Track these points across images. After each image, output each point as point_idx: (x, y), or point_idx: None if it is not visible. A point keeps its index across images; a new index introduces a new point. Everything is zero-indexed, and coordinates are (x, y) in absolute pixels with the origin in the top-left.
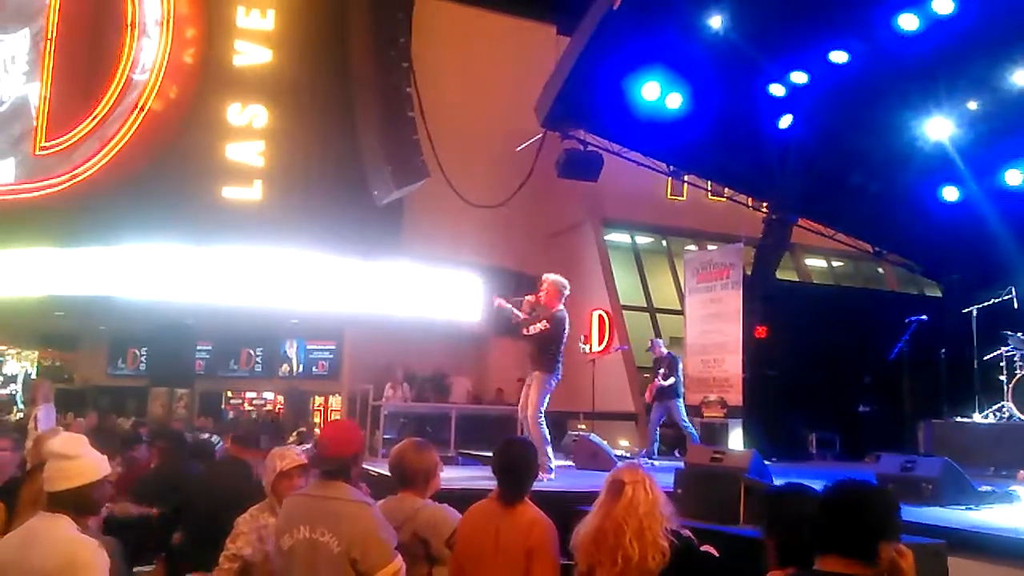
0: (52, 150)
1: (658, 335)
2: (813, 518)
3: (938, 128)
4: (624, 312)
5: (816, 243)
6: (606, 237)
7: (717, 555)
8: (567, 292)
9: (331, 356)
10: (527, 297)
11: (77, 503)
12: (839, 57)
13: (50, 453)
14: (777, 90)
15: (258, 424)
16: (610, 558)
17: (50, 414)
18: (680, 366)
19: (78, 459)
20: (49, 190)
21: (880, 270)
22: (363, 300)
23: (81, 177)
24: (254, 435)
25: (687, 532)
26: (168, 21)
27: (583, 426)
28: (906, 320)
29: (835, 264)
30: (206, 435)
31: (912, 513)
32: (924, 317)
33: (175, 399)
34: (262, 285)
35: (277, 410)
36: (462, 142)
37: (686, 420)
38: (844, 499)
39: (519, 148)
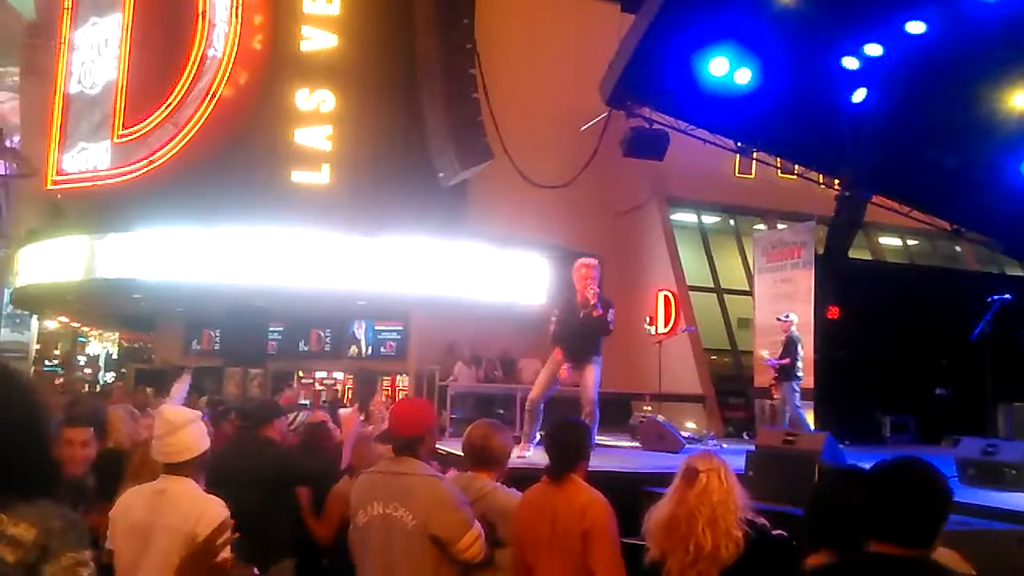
0: (129, 137)
1: (725, 316)
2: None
3: (1022, 99)
4: (691, 293)
5: (890, 221)
6: (672, 216)
7: (787, 536)
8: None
9: (398, 337)
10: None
11: (203, 463)
12: (916, 27)
13: (169, 424)
14: (850, 63)
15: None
16: (682, 547)
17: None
18: (796, 346)
19: (194, 423)
20: (128, 176)
21: (958, 248)
22: (429, 281)
23: (158, 163)
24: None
25: (762, 520)
26: (237, 8)
27: (649, 407)
28: (988, 299)
29: (910, 242)
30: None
31: (995, 499)
32: (1008, 296)
33: (249, 379)
34: (331, 267)
35: (347, 389)
36: (526, 122)
37: (797, 405)
38: (906, 486)
39: (584, 127)
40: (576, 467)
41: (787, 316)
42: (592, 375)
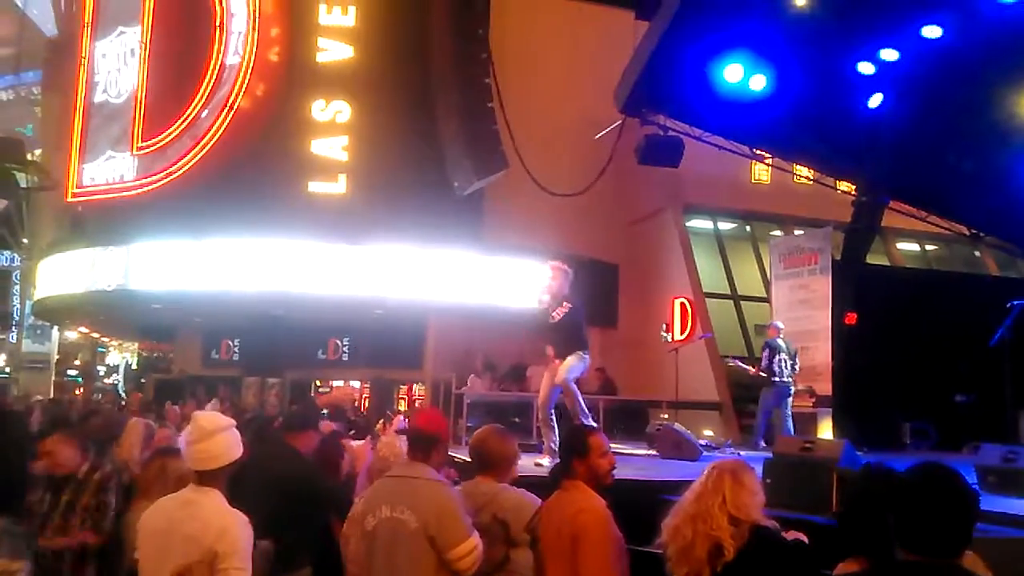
0: (148, 149)
1: (742, 323)
2: (895, 512)
3: None
4: (707, 300)
5: (908, 226)
6: (688, 223)
7: (806, 541)
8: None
9: (415, 345)
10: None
11: (230, 473)
12: (932, 32)
13: (202, 431)
14: (866, 68)
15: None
16: (683, 537)
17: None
18: (767, 352)
19: (228, 430)
20: (146, 188)
21: (977, 253)
22: (446, 290)
23: (177, 174)
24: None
25: (772, 523)
26: (254, 21)
27: (665, 415)
28: (1008, 305)
29: (928, 248)
30: None
31: (1015, 506)
32: None
33: (267, 388)
34: (348, 276)
35: (362, 399)
36: (541, 131)
37: (766, 410)
38: (933, 496)
39: (598, 135)
40: (572, 472)
41: (770, 324)
42: (566, 363)
